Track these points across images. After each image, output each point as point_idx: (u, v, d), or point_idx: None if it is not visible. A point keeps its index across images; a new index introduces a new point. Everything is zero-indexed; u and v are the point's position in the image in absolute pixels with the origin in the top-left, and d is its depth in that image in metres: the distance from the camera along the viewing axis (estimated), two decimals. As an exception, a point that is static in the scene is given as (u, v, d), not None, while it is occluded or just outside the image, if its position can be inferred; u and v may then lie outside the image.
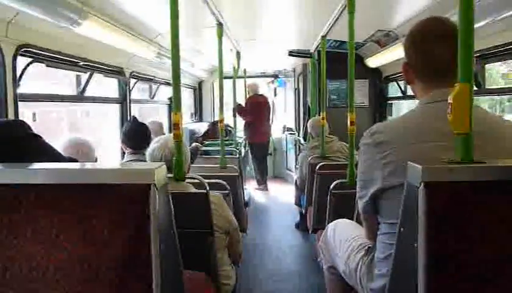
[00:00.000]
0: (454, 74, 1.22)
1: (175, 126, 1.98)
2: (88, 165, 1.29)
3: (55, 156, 1.40)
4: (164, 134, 3.35)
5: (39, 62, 2.61)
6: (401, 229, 1.17)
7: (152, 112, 6.60)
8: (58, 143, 2.42)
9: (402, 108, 6.22)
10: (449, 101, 1.09)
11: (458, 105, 1.07)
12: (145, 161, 2.80)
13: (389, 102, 5.99)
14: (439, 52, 1.42)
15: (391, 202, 1.40)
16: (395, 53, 4.44)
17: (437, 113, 1.36)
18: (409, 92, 5.31)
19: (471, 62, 1.08)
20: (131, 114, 4.06)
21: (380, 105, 6.03)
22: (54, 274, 1.07)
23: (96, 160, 2.53)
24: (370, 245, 1.71)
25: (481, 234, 1.04)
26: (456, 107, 1.08)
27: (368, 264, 1.66)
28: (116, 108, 4.14)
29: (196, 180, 2.22)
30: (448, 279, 1.04)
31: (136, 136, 3.01)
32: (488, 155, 1.18)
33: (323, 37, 4.07)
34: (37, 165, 1.15)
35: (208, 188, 2.11)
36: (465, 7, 1.08)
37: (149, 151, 2.28)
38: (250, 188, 7.50)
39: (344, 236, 1.95)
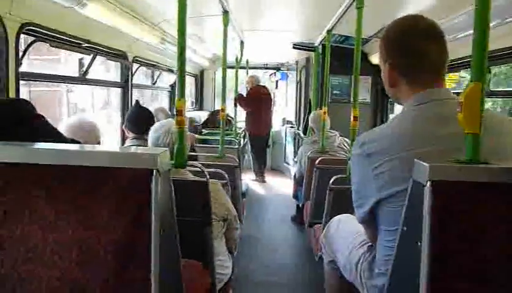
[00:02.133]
0: (442, 71, 1.20)
1: (178, 112, 1.96)
2: (90, 147, 1.27)
3: (58, 137, 1.38)
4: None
5: (43, 41, 2.58)
6: (404, 227, 1.16)
7: (149, 99, 6.61)
8: (63, 124, 2.41)
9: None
10: (460, 100, 1.07)
11: (469, 104, 1.06)
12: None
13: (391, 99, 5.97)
14: (428, 50, 1.39)
15: (390, 210, 1.38)
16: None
17: (429, 116, 1.34)
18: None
19: (484, 62, 1.06)
20: (133, 99, 4.04)
21: (382, 102, 6.01)
22: (51, 256, 1.05)
23: (99, 143, 2.52)
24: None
25: (485, 234, 1.04)
26: (466, 106, 1.06)
27: (369, 260, 1.65)
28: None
29: (196, 168, 2.21)
30: (450, 279, 1.03)
31: (139, 121, 3.00)
32: (489, 152, 1.17)
33: (328, 31, 4.04)
34: (37, 145, 1.13)
35: (208, 176, 2.10)
36: (482, 7, 1.06)
37: (150, 133, 2.26)
38: (248, 179, 7.49)
39: (346, 231, 1.94)
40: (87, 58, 3.28)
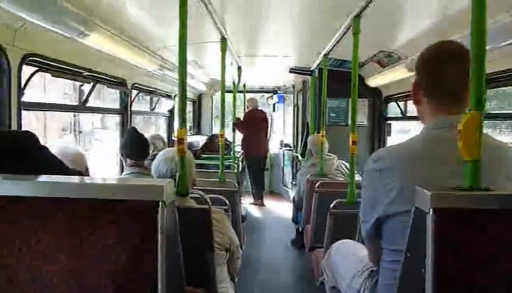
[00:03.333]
0: (464, 99, 1.22)
1: (179, 141, 1.98)
2: (95, 180, 1.29)
3: (62, 169, 1.39)
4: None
5: (44, 71, 2.61)
6: (408, 254, 1.16)
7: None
8: None
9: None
10: (459, 128, 1.09)
11: (468, 132, 1.08)
12: (147, 174, 2.79)
13: (388, 122, 6.01)
14: (453, 74, 1.41)
15: (394, 229, 1.39)
16: (397, 74, 4.46)
17: (441, 140, 1.36)
18: (409, 113, 5.34)
19: (483, 90, 1.09)
20: (133, 124, 4.06)
21: (379, 125, 6.04)
22: (52, 288, 1.05)
23: (87, 170, 2.50)
24: (373, 268, 1.70)
25: (489, 261, 1.04)
26: (466, 134, 1.08)
27: (371, 287, 1.65)
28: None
29: (198, 196, 2.22)
30: None
31: (135, 147, 2.98)
32: (492, 182, 1.18)
33: (325, 55, 4.09)
34: (40, 178, 1.14)
35: (210, 204, 2.10)
36: (477, 36, 1.09)
37: (154, 163, 2.26)
38: (246, 203, 7.48)
39: (347, 257, 1.94)
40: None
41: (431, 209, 1.02)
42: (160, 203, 1.04)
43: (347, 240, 2.18)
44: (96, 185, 1.15)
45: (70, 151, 2.47)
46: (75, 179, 1.16)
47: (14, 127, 2.24)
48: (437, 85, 1.46)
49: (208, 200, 2.11)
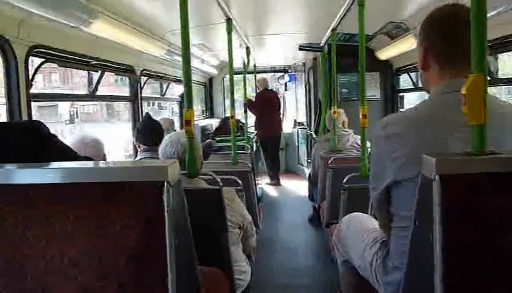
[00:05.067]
0: None
1: (186, 123, 1.98)
2: (101, 164, 1.30)
3: (73, 156, 1.42)
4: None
5: (52, 62, 2.64)
6: (416, 222, 1.16)
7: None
8: (68, 141, 2.45)
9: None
10: (462, 92, 1.08)
11: (472, 96, 1.06)
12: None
13: (401, 94, 5.94)
14: (466, 38, 1.39)
15: (404, 194, 1.39)
16: (406, 45, 4.40)
17: (451, 104, 1.34)
18: (421, 84, 5.27)
19: (484, 52, 1.06)
20: (144, 112, 4.08)
21: (392, 98, 5.98)
22: (70, 270, 1.08)
23: (105, 158, 2.56)
24: (384, 239, 1.70)
25: (497, 225, 1.03)
26: (470, 99, 1.06)
27: (383, 257, 1.65)
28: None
29: (209, 177, 2.23)
30: (465, 272, 1.03)
31: (149, 133, 3.04)
32: (506, 147, 1.16)
33: (333, 30, 4.04)
34: (54, 165, 1.16)
35: (221, 184, 2.11)
36: None
37: (161, 146, 2.29)
38: (263, 183, 7.51)
39: (358, 230, 1.94)
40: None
41: (436, 176, 1.01)
42: (165, 184, 1.05)
43: (358, 213, 2.17)
44: (102, 169, 1.16)
45: (89, 139, 2.54)
46: (82, 164, 1.18)
47: (24, 118, 2.27)
48: (452, 49, 1.42)
49: (219, 180, 2.12)
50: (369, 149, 3.18)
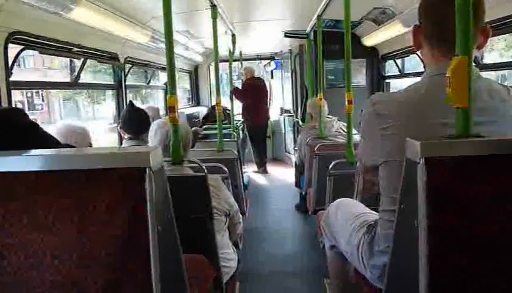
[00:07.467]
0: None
1: (170, 109, 1.96)
2: (82, 151, 1.28)
3: (54, 144, 1.39)
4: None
5: (32, 49, 2.58)
6: (401, 205, 1.16)
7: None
8: (52, 129, 2.42)
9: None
10: (447, 75, 1.07)
11: (457, 78, 1.05)
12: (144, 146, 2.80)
13: (387, 81, 5.95)
14: (449, 14, 1.37)
15: (393, 175, 1.39)
16: (392, 31, 4.39)
17: (441, 88, 1.33)
18: (406, 70, 5.29)
19: (469, 34, 1.05)
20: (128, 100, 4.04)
21: (377, 85, 5.99)
22: (52, 261, 1.06)
23: (90, 145, 2.53)
24: (371, 223, 1.71)
25: (481, 208, 1.03)
26: (454, 81, 1.05)
27: (369, 241, 1.66)
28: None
29: (195, 164, 2.22)
30: (450, 254, 1.03)
31: (133, 121, 3.00)
32: (496, 132, 1.16)
33: (318, 17, 4.02)
34: (30, 152, 1.13)
35: (206, 171, 2.10)
36: None
37: (150, 133, 2.28)
38: (250, 171, 7.50)
39: (345, 215, 1.95)
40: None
41: (421, 159, 1.01)
42: (147, 170, 1.03)
43: (345, 198, 2.18)
44: (83, 156, 1.13)
45: (75, 127, 2.51)
46: (59, 151, 1.15)
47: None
48: (440, 32, 1.41)
49: (204, 167, 2.11)
50: (355, 136, 3.20)
